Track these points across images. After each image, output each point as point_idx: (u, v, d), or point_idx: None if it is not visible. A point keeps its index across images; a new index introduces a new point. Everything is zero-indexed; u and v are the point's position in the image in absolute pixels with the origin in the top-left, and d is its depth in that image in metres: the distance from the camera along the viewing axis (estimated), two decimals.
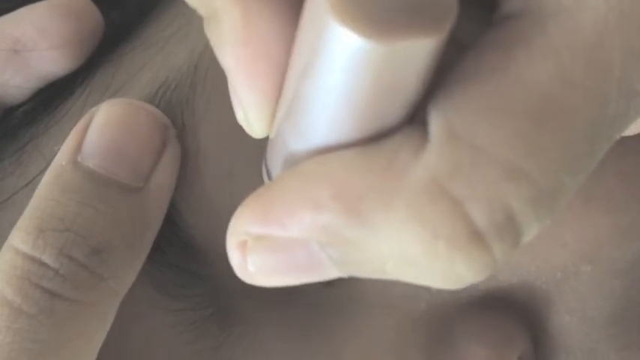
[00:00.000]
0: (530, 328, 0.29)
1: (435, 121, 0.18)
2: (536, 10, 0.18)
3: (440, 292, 0.29)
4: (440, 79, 0.18)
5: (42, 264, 0.23)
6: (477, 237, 0.17)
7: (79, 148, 0.25)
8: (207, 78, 0.27)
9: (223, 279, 0.27)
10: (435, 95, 0.18)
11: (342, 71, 0.17)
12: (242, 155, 0.26)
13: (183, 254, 0.27)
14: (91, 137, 0.25)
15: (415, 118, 0.18)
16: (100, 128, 0.25)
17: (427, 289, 0.29)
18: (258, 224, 0.19)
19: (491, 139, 0.17)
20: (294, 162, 0.19)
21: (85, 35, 0.28)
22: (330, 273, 0.19)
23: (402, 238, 0.17)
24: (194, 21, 0.29)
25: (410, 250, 0.18)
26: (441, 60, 0.18)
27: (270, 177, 0.22)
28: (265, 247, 0.19)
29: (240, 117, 0.20)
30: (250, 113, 0.20)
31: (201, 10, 0.20)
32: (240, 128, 0.21)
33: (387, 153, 0.18)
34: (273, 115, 0.20)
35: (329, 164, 0.18)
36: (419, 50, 0.17)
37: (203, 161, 0.27)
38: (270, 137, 0.21)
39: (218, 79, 0.27)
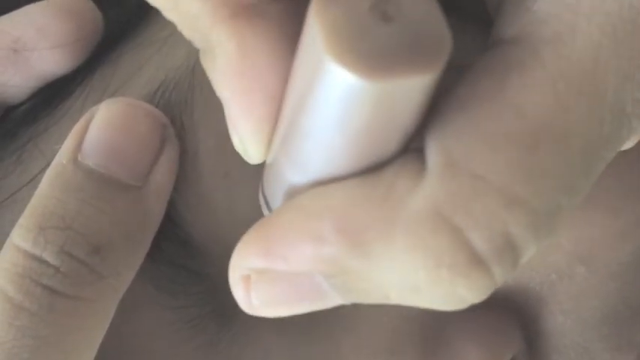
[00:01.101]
0: (524, 328, 0.29)
1: (432, 150, 0.18)
2: (530, 36, 0.18)
3: None
4: (435, 106, 0.18)
5: (42, 261, 0.23)
6: (478, 262, 0.18)
7: (79, 147, 0.25)
8: (206, 78, 0.27)
9: (221, 277, 0.27)
10: (431, 123, 0.18)
11: (336, 107, 0.17)
12: (239, 155, 0.26)
13: (181, 252, 0.27)
14: (90, 136, 0.25)
15: (411, 146, 0.19)
16: (100, 127, 0.25)
17: None
18: (260, 259, 0.19)
19: (489, 167, 0.17)
20: (291, 193, 0.20)
21: (85, 35, 0.28)
22: (334, 301, 0.20)
23: (404, 267, 0.18)
24: None
25: (413, 278, 0.18)
26: (436, 92, 0.18)
27: (268, 205, 0.22)
28: (269, 281, 0.20)
29: (237, 144, 0.21)
30: (247, 141, 0.20)
31: (197, 43, 0.20)
32: None
33: (385, 183, 0.18)
34: (269, 143, 0.20)
35: (328, 197, 0.19)
36: (413, 87, 0.17)
37: (201, 161, 0.27)
38: (267, 163, 0.21)
39: None
